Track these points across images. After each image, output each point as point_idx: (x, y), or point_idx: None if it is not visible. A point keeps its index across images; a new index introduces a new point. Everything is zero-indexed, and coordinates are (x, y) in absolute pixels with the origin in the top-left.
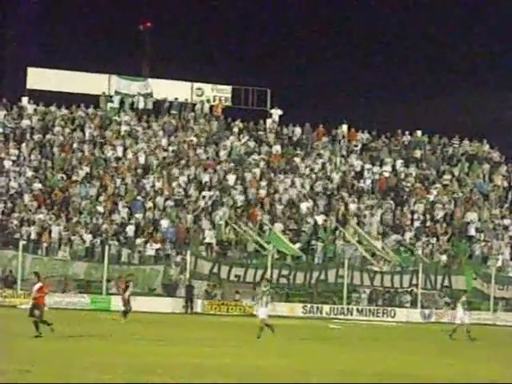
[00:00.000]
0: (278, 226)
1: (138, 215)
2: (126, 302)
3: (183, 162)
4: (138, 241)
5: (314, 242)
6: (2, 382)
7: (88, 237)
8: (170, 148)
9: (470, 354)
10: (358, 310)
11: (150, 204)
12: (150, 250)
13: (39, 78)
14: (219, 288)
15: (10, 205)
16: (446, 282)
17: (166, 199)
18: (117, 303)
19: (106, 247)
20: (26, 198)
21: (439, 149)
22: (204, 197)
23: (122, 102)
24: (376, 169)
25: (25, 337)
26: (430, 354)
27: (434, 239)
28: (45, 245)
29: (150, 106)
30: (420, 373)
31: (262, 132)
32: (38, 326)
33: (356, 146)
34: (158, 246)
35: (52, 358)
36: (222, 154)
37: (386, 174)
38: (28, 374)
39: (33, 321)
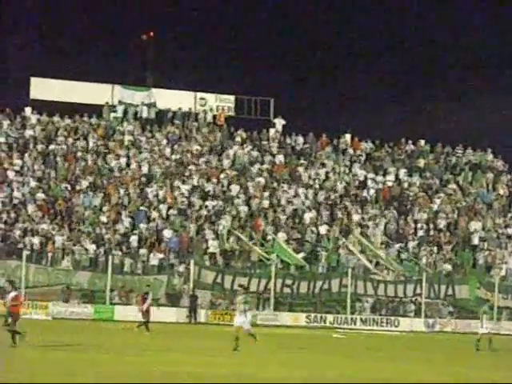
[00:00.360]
0: (282, 236)
1: (142, 225)
2: (145, 314)
3: (186, 171)
4: (142, 251)
5: (317, 252)
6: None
7: (91, 247)
8: (173, 157)
9: (474, 363)
10: (361, 319)
11: (153, 214)
12: (154, 260)
13: (42, 88)
14: (224, 298)
15: (13, 215)
16: (450, 292)
17: (170, 208)
18: (120, 313)
19: (110, 257)
20: (30, 207)
21: (442, 158)
22: (207, 206)
23: (125, 112)
24: (379, 178)
25: (26, 348)
26: (434, 363)
27: (438, 248)
28: (48, 255)
29: (153, 115)
30: (424, 382)
31: (265, 142)
32: (14, 336)
33: (360, 155)
34: (162, 255)
35: (54, 368)
36: (226, 163)
37: (390, 184)
38: None
39: (7, 330)
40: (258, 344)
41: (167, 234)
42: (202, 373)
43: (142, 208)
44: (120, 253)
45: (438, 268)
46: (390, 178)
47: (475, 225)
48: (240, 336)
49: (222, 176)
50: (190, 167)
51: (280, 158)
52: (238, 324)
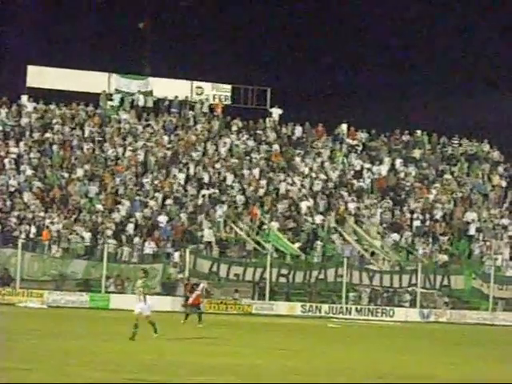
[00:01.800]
0: (277, 225)
1: (138, 213)
2: (190, 305)
3: (183, 160)
4: (136, 239)
5: (313, 241)
6: (1, 380)
7: (87, 235)
8: (170, 146)
9: (469, 353)
10: (356, 309)
11: (149, 202)
12: (149, 249)
13: (39, 76)
14: (219, 287)
15: (9, 203)
16: (446, 282)
17: (165, 197)
18: (115, 301)
19: (106, 245)
20: (26, 196)
21: (438, 148)
22: (203, 195)
23: (122, 101)
24: (375, 168)
25: (24, 335)
26: (429, 353)
27: (433, 239)
28: (44, 243)
29: (150, 104)
30: (418, 372)
31: (261, 131)
32: None
33: (357, 145)
34: (154, 245)
35: (50, 356)
36: (222, 152)
37: (385, 174)
38: (27, 371)
39: None
40: (159, 335)
41: (162, 222)
42: (197, 362)
43: (137, 196)
44: (115, 241)
45: (434, 258)
46: (386, 167)
47: (471, 215)
48: (139, 323)
49: (218, 165)
50: (186, 156)
51: (276, 147)
52: (137, 310)
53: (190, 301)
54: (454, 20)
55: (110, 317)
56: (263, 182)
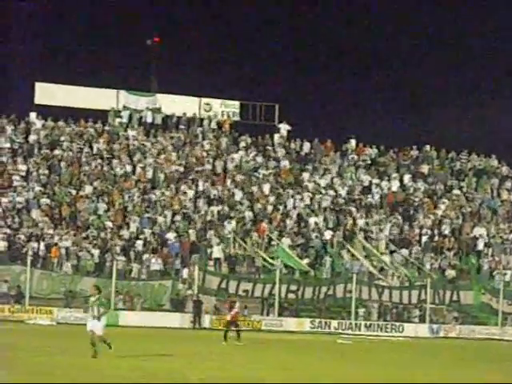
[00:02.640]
0: (286, 241)
1: (146, 230)
2: (229, 323)
3: (191, 176)
4: (146, 256)
5: (321, 257)
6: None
7: (96, 252)
8: (178, 162)
9: (478, 368)
10: (366, 325)
11: (157, 219)
12: (158, 265)
13: (47, 93)
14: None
15: (17, 220)
16: (455, 297)
17: (174, 214)
18: (124, 318)
19: (114, 262)
20: (34, 213)
21: (447, 163)
22: (212, 211)
23: (130, 117)
24: (384, 184)
25: (31, 352)
26: (439, 367)
27: (442, 254)
28: (53, 260)
29: (158, 120)
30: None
31: (270, 147)
32: None
33: (364, 160)
34: (166, 260)
35: (55, 373)
36: (230, 168)
37: (394, 189)
38: None
39: None
40: (113, 352)
41: (171, 238)
42: (205, 377)
43: (146, 213)
44: (125, 258)
45: (443, 273)
46: (395, 183)
47: (480, 230)
48: (96, 341)
49: (226, 181)
50: (194, 172)
51: (285, 164)
52: (88, 328)
53: (229, 318)
54: (460, 34)
55: (118, 333)
56: (272, 199)
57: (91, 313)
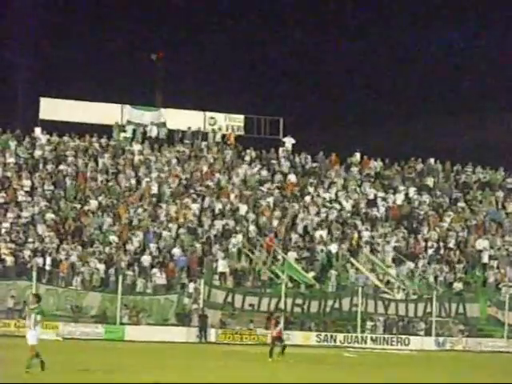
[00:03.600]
0: (292, 255)
1: (152, 244)
2: (275, 338)
3: (196, 190)
4: (152, 270)
5: (327, 271)
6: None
7: (102, 267)
8: (183, 177)
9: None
10: (372, 338)
11: (163, 233)
12: (163, 280)
13: (52, 108)
14: (234, 317)
15: (23, 235)
16: (461, 310)
17: (179, 228)
18: (130, 333)
19: (120, 277)
20: (39, 228)
21: (452, 176)
22: (217, 225)
23: (134, 132)
24: (389, 197)
25: (36, 368)
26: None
27: (448, 267)
28: (59, 275)
29: (162, 135)
30: None
31: (274, 161)
32: None
33: (369, 174)
34: (171, 275)
35: None
36: (235, 182)
37: (399, 202)
38: None
39: None
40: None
41: (177, 253)
42: None
43: (152, 227)
44: (131, 273)
45: (449, 286)
46: (400, 196)
47: (485, 243)
48: (39, 352)
49: (231, 195)
50: (199, 186)
51: (290, 177)
52: (31, 342)
53: (274, 334)
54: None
55: (124, 348)
56: (277, 212)
57: (28, 321)
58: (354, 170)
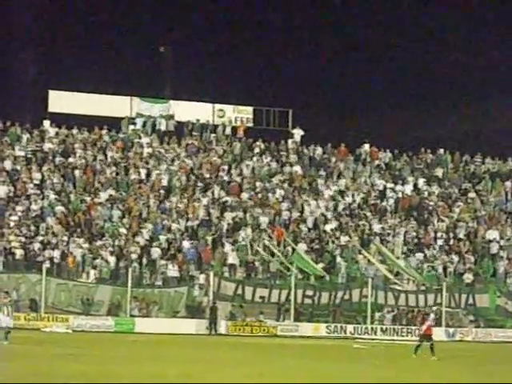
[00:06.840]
0: (302, 247)
1: (161, 237)
2: (423, 335)
3: (206, 183)
4: (162, 262)
5: (337, 262)
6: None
7: (112, 259)
8: (192, 169)
9: (493, 372)
10: (382, 329)
11: (172, 225)
12: (173, 272)
13: (61, 101)
14: (243, 309)
15: (32, 228)
16: (470, 301)
17: (189, 220)
18: (140, 325)
19: (130, 269)
20: (49, 221)
21: (461, 167)
22: (227, 218)
23: (144, 124)
24: (398, 188)
25: (47, 359)
26: (455, 371)
27: (458, 257)
28: (69, 268)
29: (171, 127)
30: None
31: (283, 152)
32: None
33: (378, 165)
34: (181, 267)
35: (73, 380)
36: (245, 174)
37: (409, 193)
38: None
39: None
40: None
41: (187, 245)
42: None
43: (161, 219)
44: (140, 265)
45: (458, 277)
46: (409, 187)
47: (494, 233)
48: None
49: (241, 187)
50: (209, 179)
51: (299, 169)
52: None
53: (422, 331)
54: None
55: (134, 340)
56: (286, 204)
57: (2, 311)
58: (363, 161)
